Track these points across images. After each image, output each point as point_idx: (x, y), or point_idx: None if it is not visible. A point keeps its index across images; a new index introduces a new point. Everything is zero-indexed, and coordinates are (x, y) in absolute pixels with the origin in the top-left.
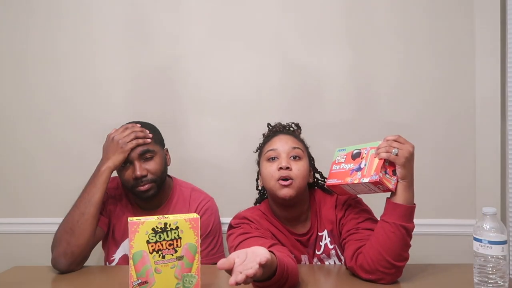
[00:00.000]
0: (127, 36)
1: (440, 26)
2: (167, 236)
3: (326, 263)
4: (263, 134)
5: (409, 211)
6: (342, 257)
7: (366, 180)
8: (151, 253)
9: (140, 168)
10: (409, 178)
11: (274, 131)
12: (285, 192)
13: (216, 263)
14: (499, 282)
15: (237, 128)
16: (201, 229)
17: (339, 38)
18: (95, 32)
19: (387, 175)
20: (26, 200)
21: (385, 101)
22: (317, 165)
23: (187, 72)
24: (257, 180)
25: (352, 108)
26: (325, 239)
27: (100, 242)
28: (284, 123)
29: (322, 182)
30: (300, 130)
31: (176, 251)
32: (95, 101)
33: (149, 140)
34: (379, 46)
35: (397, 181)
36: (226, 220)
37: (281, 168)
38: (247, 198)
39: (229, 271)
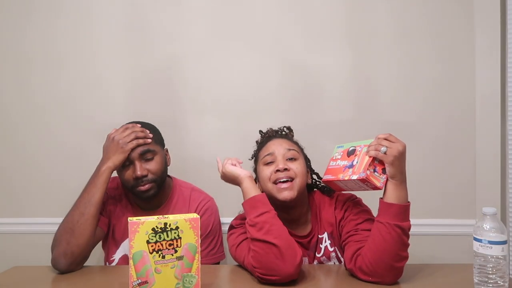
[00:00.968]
0: (127, 36)
1: (440, 26)
2: (167, 236)
3: None
4: (257, 142)
5: (402, 209)
6: (342, 259)
7: (354, 177)
8: (151, 253)
9: (140, 168)
10: (398, 177)
11: (267, 136)
12: (286, 195)
13: (216, 263)
14: (499, 282)
15: (237, 128)
16: (201, 229)
17: (339, 38)
18: (95, 32)
19: (375, 173)
20: (26, 200)
21: (385, 101)
22: (316, 165)
23: (187, 72)
24: None
25: (352, 108)
26: (325, 241)
27: (100, 242)
28: (281, 126)
29: (321, 184)
30: (293, 132)
31: (176, 251)
32: (95, 101)
33: (149, 140)
34: (379, 46)
35: (387, 180)
36: (226, 220)
37: (278, 170)
38: None
39: None
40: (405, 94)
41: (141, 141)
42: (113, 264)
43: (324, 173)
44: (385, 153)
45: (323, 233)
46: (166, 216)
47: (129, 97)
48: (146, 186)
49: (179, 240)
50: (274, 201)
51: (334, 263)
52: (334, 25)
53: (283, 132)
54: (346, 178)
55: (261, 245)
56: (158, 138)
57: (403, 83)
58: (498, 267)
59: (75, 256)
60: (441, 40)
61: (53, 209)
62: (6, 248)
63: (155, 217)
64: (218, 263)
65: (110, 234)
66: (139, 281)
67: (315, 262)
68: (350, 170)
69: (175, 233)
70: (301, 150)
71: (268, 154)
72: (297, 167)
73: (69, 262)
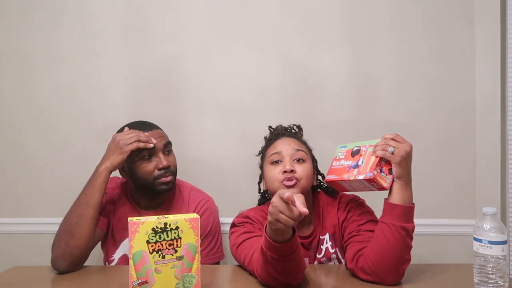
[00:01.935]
0: (128, 36)
1: (440, 26)
2: (167, 236)
3: None
4: (265, 137)
5: (407, 211)
6: (342, 261)
7: (361, 177)
8: (151, 253)
9: (166, 159)
10: (405, 177)
11: (276, 133)
12: None
13: (216, 263)
14: (499, 282)
15: (237, 128)
16: (200, 229)
17: (339, 38)
18: (96, 32)
19: (382, 173)
20: (27, 200)
21: (385, 100)
22: (318, 166)
23: (187, 72)
24: (259, 183)
25: (352, 108)
26: (327, 242)
27: (99, 242)
28: (285, 125)
29: (325, 185)
30: (302, 132)
31: (176, 251)
32: (96, 101)
33: (151, 145)
34: (379, 46)
35: (393, 180)
36: (226, 220)
37: (285, 171)
38: (246, 198)
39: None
40: (405, 94)
41: (141, 144)
42: (113, 264)
43: (327, 173)
44: (392, 153)
45: (325, 234)
46: (166, 216)
47: (130, 96)
48: (169, 178)
49: (179, 240)
50: None
51: (334, 263)
52: (334, 25)
53: (293, 131)
54: (351, 178)
55: (273, 278)
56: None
57: (403, 83)
58: (498, 267)
59: (74, 257)
60: (441, 40)
61: (53, 209)
62: (6, 248)
63: (155, 217)
64: (218, 263)
65: (109, 234)
66: (139, 281)
67: (315, 262)
68: (356, 170)
69: (175, 233)
70: (310, 151)
71: (275, 153)
72: (303, 170)
73: (68, 263)
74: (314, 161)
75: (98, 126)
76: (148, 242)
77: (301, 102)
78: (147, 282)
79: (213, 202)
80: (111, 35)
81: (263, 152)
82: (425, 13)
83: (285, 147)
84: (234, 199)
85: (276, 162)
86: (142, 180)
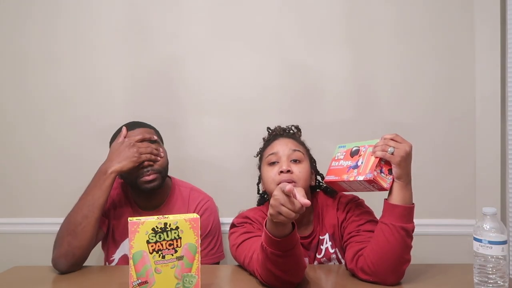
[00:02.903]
0: (127, 36)
1: (440, 26)
2: (167, 236)
3: None
4: (263, 138)
5: (407, 211)
6: (342, 261)
7: (361, 178)
8: (151, 253)
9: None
10: (404, 178)
11: (274, 134)
12: None
13: (216, 263)
14: (499, 282)
15: (237, 128)
16: (200, 229)
17: (339, 38)
18: (95, 32)
19: (382, 174)
20: (26, 200)
21: (385, 101)
22: (317, 166)
23: (187, 72)
24: (258, 184)
25: (352, 108)
26: (326, 242)
27: (100, 243)
28: (283, 126)
29: (324, 185)
30: (300, 132)
31: (176, 251)
32: (95, 101)
33: (159, 159)
34: (379, 46)
35: (393, 181)
36: (225, 220)
37: (281, 172)
38: (246, 198)
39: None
40: (405, 94)
41: (153, 157)
42: (113, 264)
43: (326, 174)
44: (392, 153)
45: (325, 234)
46: (166, 216)
47: (129, 97)
48: (152, 176)
49: (179, 240)
50: None
51: (334, 263)
52: (334, 25)
53: (291, 131)
54: (351, 179)
55: (274, 276)
56: (159, 137)
57: (403, 83)
58: (498, 267)
59: (76, 258)
60: (441, 40)
61: (53, 210)
62: (6, 248)
63: (155, 217)
64: (218, 263)
65: (109, 234)
66: (139, 281)
67: (315, 263)
68: (355, 170)
69: (175, 233)
70: (307, 151)
71: (272, 154)
72: (300, 171)
73: (69, 263)
74: (312, 161)
75: (97, 126)
76: (148, 242)
77: (301, 102)
78: (147, 282)
79: (213, 202)
80: (111, 35)
81: (261, 153)
82: (425, 13)
83: (282, 147)
84: (234, 199)
85: (273, 163)
86: (128, 180)
